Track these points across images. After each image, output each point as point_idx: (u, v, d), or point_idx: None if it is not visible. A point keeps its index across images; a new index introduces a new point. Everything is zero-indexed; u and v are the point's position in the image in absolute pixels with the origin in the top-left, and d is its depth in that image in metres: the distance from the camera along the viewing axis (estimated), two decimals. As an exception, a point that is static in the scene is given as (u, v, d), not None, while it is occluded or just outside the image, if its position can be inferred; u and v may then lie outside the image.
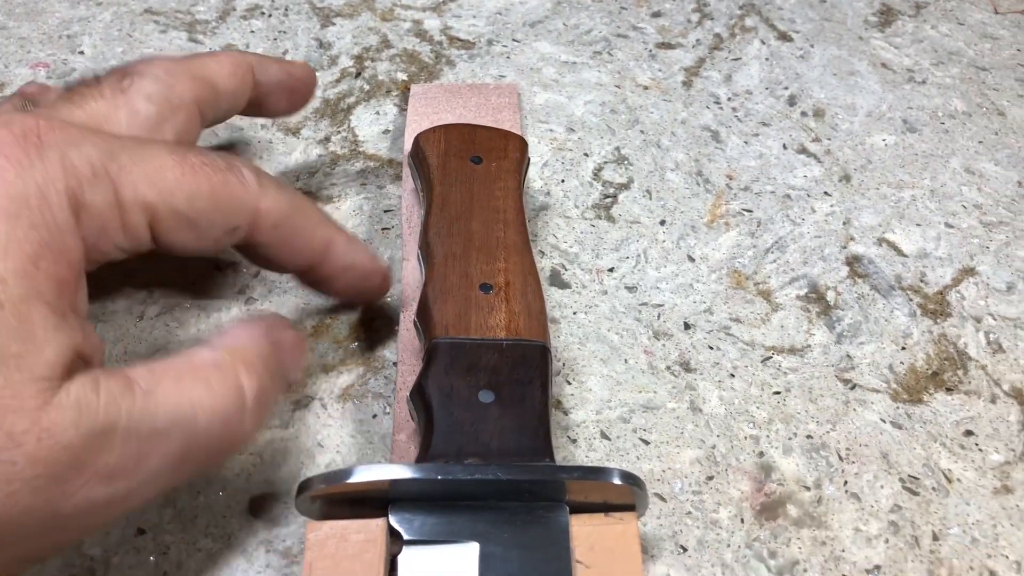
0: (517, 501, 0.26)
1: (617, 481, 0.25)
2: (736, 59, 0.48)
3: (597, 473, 0.26)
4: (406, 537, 0.25)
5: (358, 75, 0.44)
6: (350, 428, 0.31)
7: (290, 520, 0.28)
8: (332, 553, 0.25)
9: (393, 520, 0.25)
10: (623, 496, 0.26)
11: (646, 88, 0.45)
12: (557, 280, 0.36)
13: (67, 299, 0.21)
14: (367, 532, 0.25)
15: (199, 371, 0.23)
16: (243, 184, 0.26)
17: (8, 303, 0.20)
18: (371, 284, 0.31)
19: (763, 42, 0.49)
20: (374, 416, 0.31)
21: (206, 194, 0.25)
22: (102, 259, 0.24)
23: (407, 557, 0.25)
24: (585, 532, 0.26)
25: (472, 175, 0.34)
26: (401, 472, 0.25)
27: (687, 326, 0.34)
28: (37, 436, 0.19)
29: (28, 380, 0.19)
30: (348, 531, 0.25)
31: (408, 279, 0.34)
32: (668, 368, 0.33)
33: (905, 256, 0.38)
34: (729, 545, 0.28)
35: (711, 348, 0.34)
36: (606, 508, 0.26)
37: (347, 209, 0.38)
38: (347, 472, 0.25)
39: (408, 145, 0.37)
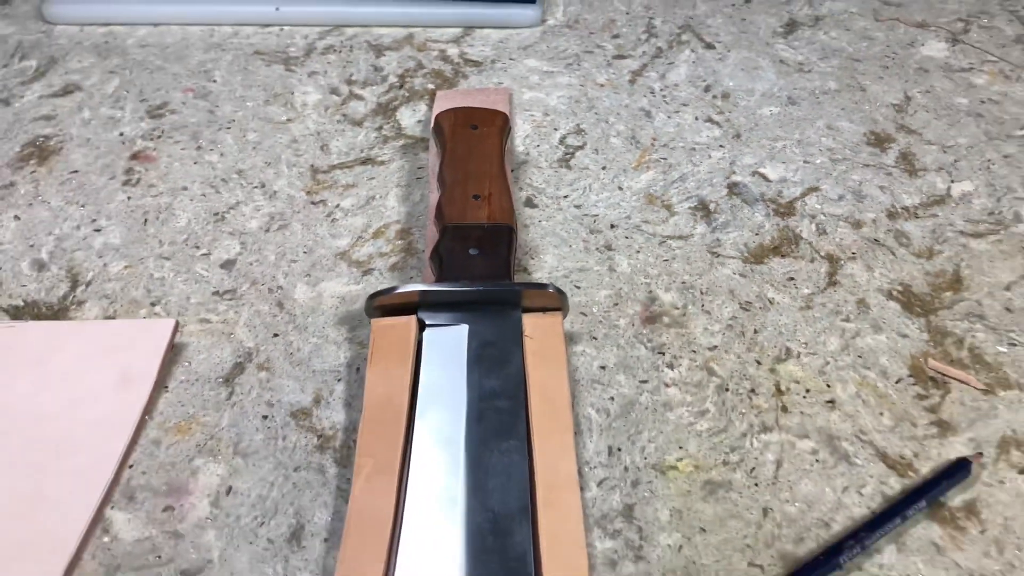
0: (490, 305, 0.44)
1: (551, 290, 0.44)
2: (670, 63, 0.66)
3: (538, 286, 0.44)
4: (427, 323, 0.44)
5: (401, 87, 0.64)
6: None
7: (365, 324, 0.47)
8: (387, 335, 0.44)
9: (420, 315, 0.44)
10: (554, 301, 0.44)
11: (602, 86, 0.64)
12: (530, 204, 0.55)
13: None
14: (406, 322, 0.44)
15: None
16: None
17: None
18: None
19: (692, 50, 0.68)
20: (413, 275, 0.50)
21: None
22: None
23: (428, 335, 0.44)
24: (531, 321, 0.44)
25: (471, 136, 0.53)
26: (425, 288, 0.44)
27: (612, 226, 0.53)
28: None
29: None
30: (396, 322, 0.44)
31: (432, 202, 0.53)
32: (597, 249, 0.51)
33: (770, 181, 0.56)
34: (623, 336, 0.46)
35: (627, 237, 0.52)
36: (544, 310, 0.45)
37: (395, 167, 0.57)
38: (395, 288, 0.44)
39: (432, 123, 0.57)
